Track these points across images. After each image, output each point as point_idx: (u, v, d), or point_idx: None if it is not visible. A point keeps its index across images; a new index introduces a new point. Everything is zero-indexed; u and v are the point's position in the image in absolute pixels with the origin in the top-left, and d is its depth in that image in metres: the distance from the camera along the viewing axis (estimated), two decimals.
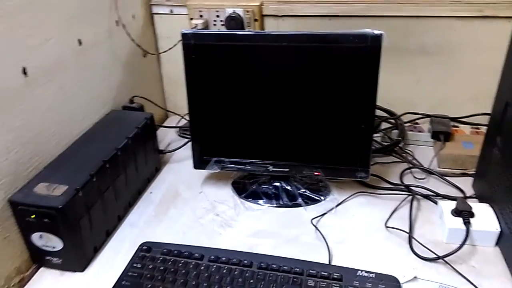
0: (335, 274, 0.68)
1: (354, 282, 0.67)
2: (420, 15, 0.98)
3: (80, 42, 0.87)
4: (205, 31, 0.82)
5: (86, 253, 0.73)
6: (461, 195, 0.87)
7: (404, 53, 1.03)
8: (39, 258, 0.72)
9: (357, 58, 0.76)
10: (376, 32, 0.74)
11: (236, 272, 0.69)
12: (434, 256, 0.72)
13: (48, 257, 0.71)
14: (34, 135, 0.75)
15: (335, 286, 0.66)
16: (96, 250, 0.76)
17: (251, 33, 0.79)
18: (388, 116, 1.08)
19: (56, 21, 0.80)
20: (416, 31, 1.01)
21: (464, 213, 0.75)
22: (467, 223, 0.73)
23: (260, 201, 0.88)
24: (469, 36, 0.98)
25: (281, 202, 0.87)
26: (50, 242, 0.69)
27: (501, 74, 0.77)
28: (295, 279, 0.68)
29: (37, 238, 0.69)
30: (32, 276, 0.72)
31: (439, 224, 0.79)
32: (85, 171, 0.74)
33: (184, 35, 0.81)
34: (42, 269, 0.73)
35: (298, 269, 0.69)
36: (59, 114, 0.81)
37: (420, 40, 1.01)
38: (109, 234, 0.80)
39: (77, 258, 0.72)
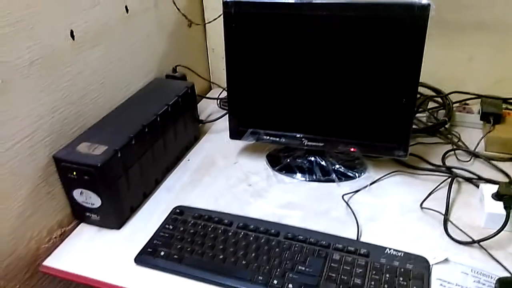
0: (362, 250, 0.68)
1: (381, 259, 0.66)
2: None
3: (127, 9, 0.89)
4: (246, 0, 0.81)
5: (123, 212, 0.77)
6: (506, 180, 0.82)
7: (457, 28, 0.97)
8: (79, 214, 0.77)
9: (402, 28, 0.72)
10: (424, 1, 0.70)
11: (262, 240, 0.70)
12: (469, 239, 0.69)
13: (87, 213, 0.75)
14: (79, 97, 0.79)
15: (361, 261, 0.66)
16: (133, 210, 0.80)
17: (292, 2, 0.77)
18: (434, 94, 1.03)
19: None
20: (473, 4, 0.94)
21: (506, 197, 0.71)
22: (507, 208, 0.70)
23: (293, 175, 0.88)
24: None
25: (314, 177, 0.87)
26: (90, 199, 0.73)
27: None
28: (320, 252, 0.68)
29: (78, 194, 0.73)
30: (73, 230, 0.77)
31: (478, 208, 0.76)
32: (125, 133, 0.77)
33: (225, 4, 0.81)
34: (82, 224, 0.78)
35: (324, 242, 0.69)
36: (104, 78, 0.85)
37: (476, 14, 0.95)
38: (146, 196, 0.84)
39: (114, 216, 0.75)
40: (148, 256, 0.69)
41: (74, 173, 0.71)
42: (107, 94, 0.86)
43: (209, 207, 0.79)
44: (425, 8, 0.70)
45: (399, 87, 0.77)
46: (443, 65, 1.00)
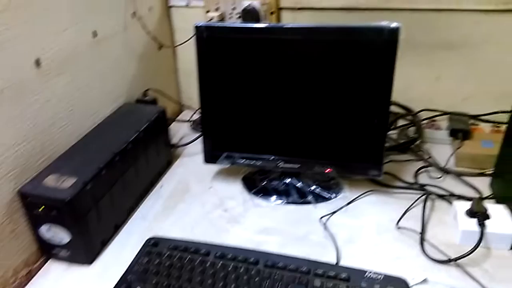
0: (342, 274, 0.67)
1: (362, 283, 0.65)
2: (442, 8, 0.94)
3: (95, 34, 0.87)
4: (218, 24, 0.81)
5: (94, 246, 0.74)
6: (477, 195, 0.84)
7: (425, 48, 1.00)
8: (47, 251, 0.73)
9: (373, 51, 0.73)
10: (393, 25, 0.71)
11: (241, 270, 0.68)
12: (446, 258, 0.70)
13: (56, 250, 0.72)
14: (47, 126, 0.75)
15: (342, 286, 0.65)
16: (104, 243, 0.77)
17: (264, 26, 0.77)
18: (405, 112, 1.05)
19: (72, 12, 0.80)
20: (438, 25, 0.97)
21: (478, 214, 0.72)
22: (481, 225, 0.71)
23: (270, 198, 0.87)
24: (494, 31, 0.94)
25: (290, 199, 0.86)
26: (58, 234, 0.70)
27: None
28: (301, 279, 0.66)
29: (45, 230, 0.70)
30: (40, 268, 0.73)
31: (452, 225, 0.77)
32: (95, 163, 0.74)
33: (197, 28, 0.80)
34: (49, 261, 0.74)
35: (304, 268, 0.68)
36: (71, 106, 0.82)
37: (442, 35, 0.98)
38: (117, 227, 0.81)
39: (85, 251, 0.72)
40: None
41: (41, 208, 0.67)
42: (75, 122, 0.83)
43: (184, 236, 0.77)
44: (395, 31, 0.71)
45: (371, 108, 0.78)
46: (412, 83, 1.02)
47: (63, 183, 0.69)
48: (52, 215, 0.67)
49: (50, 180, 0.70)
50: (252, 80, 0.82)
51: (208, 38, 0.80)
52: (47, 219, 0.69)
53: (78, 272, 0.72)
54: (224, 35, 0.80)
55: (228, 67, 0.82)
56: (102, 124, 0.89)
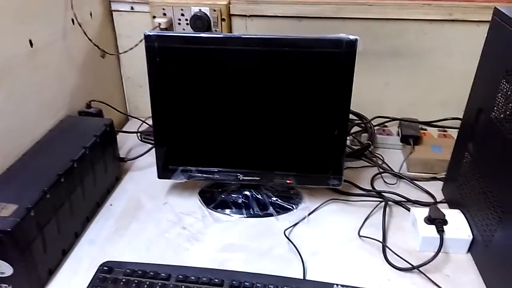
0: None
1: None
2: (390, 18, 0.96)
3: (31, 43, 0.79)
4: (170, 33, 0.76)
5: (40, 277, 0.67)
6: (431, 200, 0.87)
7: (374, 56, 1.02)
8: None
9: (331, 63, 0.73)
10: (351, 37, 0.71)
11: None
12: (409, 266, 0.71)
13: None
14: None
15: None
16: (51, 272, 0.70)
17: (219, 36, 0.74)
18: (358, 119, 1.07)
19: (3, 20, 0.72)
20: (386, 34, 0.99)
21: (437, 221, 0.74)
22: (441, 231, 0.73)
23: (230, 211, 0.84)
24: (439, 40, 0.98)
25: (251, 212, 0.83)
26: None
27: (474, 80, 0.76)
28: None
29: None
30: None
31: (411, 231, 0.78)
32: (38, 186, 0.67)
33: (147, 37, 0.75)
34: None
35: (272, 286, 0.66)
36: (7, 122, 0.74)
37: (391, 43, 1.00)
38: (65, 253, 0.74)
39: (30, 284, 0.65)
40: None
41: None
42: (12, 140, 0.75)
43: (141, 259, 0.72)
44: (353, 43, 0.71)
45: (331, 119, 0.77)
46: (362, 90, 1.03)
47: (1, 211, 0.61)
48: None
49: None
50: (208, 90, 0.78)
51: (160, 48, 0.75)
52: None
53: None
54: (177, 45, 0.76)
55: (182, 77, 0.78)
56: (43, 140, 0.81)
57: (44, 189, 0.66)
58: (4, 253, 0.60)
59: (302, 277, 0.70)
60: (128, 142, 1.07)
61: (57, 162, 0.73)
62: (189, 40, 0.75)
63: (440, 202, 0.86)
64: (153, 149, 0.86)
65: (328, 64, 0.73)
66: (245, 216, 0.83)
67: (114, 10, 1.08)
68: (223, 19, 1.00)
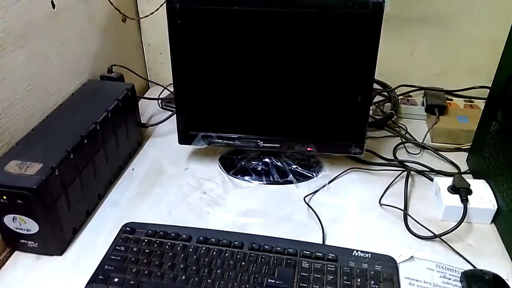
0: (330, 254, 0.65)
1: (350, 262, 0.64)
2: None
3: (53, 4, 0.79)
4: None
5: (64, 235, 0.68)
6: (455, 170, 0.85)
7: (400, 22, 0.98)
8: (13, 241, 0.67)
9: (357, 25, 0.70)
10: None
11: (227, 254, 0.65)
12: (431, 234, 0.70)
13: (22, 241, 0.66)
14: (4, 108, 0.68)
15: (330, 267, 0.64)
16: (75, 231, 0.71)
17: None
18: (381, 88, 1.04)
19: None
20: None
21: (461, 190, 0.72)
22: (464, 201, 0.71)
23: (250, 178, 0.84)
24: (467, 5, 0.94)
25: (271, 179, 0.83)
26: (25, 224, 0.63)
27: (505, 46, 0.73)
28: (288, 261, 0.64)
29: (10, 220, 0.63)
30: (6, 261, 0.66)
31: (434, 201, 0.77)
32: (61, 147, 0.68)
33: None
34: (16, 253, 0.68)
35: (291, 250, 0.66)
36: (31, 84, 0.74)
37: (417, 9, 0.97)
38: (89, 214, 0.75)
39: (55, 241, 0.66)
40: (100, 285, 0.61)
41: (4, 197, 0.61)
42: (36, 102, 0.76)
43: (163, 221, 0.73)
44: (380, 4, 0.68)
45: (355, 84, 0.75)
46: (386, 59, 1.00)
47: (27, 170, 0.62)
48: (17, 204, 0.61)
49: (13, 167, 0.63)
50: (230, 55, 0.77)
51: (182, 9, 0.74)
52: (11, 209, 0.62)
53: (49, 263, 0.66)
54: (199, 6, 0.74)
55: (204, 41, 0.77)
56: (66, 103, 0.82)
57: (68, 150, 0.67)
58: (30, 210, 0.62)
59: (321, 243, 0.70)
60: (149, 109, 1.07)
61: (80, 124, 0.74)
62: (211, 0, 0.74)
63: (465, 172, 0.84)
64: (174, 116, 0.86)
65: (353, 26, 0.71)
66: (265, 182, 0.83)
67: None
68: None
